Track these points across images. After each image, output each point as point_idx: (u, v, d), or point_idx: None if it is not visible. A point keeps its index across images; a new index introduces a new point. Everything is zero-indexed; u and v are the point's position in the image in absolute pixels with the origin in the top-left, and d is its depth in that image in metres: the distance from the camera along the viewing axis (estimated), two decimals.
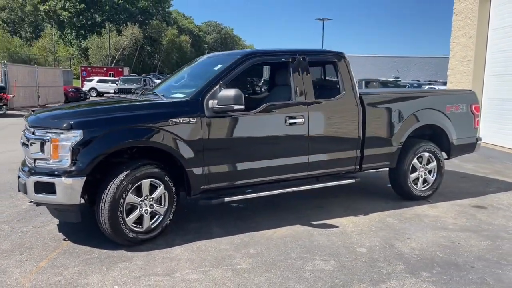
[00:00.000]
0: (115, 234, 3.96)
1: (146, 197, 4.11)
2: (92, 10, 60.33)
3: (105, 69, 44.66)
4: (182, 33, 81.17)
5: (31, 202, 4.10)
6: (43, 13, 62.60)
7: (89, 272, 3.54)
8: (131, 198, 4.01)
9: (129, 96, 6.17)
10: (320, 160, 4.97)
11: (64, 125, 3.84)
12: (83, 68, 44.99)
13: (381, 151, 5.39)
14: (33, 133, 4.01)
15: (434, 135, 6.02)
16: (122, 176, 3.92)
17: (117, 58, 56.30)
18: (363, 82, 16.22)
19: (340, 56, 5.25)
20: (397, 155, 5.50)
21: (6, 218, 4.88)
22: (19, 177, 4.21)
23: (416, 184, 5.71)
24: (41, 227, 4.59)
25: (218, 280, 3.42)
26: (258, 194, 4.73)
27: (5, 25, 63.57)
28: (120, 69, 45.37)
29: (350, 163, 5.21)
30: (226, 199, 4.49)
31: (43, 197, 3.90)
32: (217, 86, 4.36)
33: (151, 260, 3.79)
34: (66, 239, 4.28)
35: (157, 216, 4.25)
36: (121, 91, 26.63)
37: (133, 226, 4.07)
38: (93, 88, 36.34)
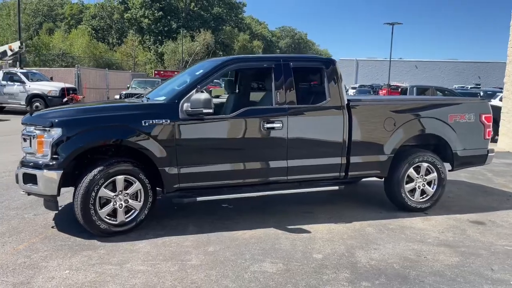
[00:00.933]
0: (88, 225, 4.33)
1: (120, 192, 4.44)
2: (169, 17, 63.66)
3: (176, 72, 46.84)
4: (255, 38, 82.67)
5: (23, 191, 4.60)
6: (126, 21, 67.08)
7: (53, 257, 3.92)
8: (104, 192, 4.35)
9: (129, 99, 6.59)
10: (300, 166, 5.00)
11: (47, 123, 4.29)
12: (156, 72, 47.57)
13: (370, 159, 5.28)
14: (25, 130, 4.52)
15: (439, 146, 5.76)
16: (95, 171, 4.28)
17: (190, 63, 58.85)
18: (415, 88, 15.48)
19: (328, 63, 5.24)
20: (388, 164, 5.35)
21: (16, 205, 5.48)
22: None
23: (412, 195, 5.51)
24: (41, 215, 5.10)
25: (160, 273, 3.63)
26: (233, 195, 4.89)
27: (93, 31, 69.01)
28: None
29: (333, 170, 5.17)
30: (198, 199, 4.70)
31: (29, 187, 4.38)
32: (194, 90, 4.59)
33: (114, 250, 4.10)
34: (54, 227, 4.73)
35: (133, 211, 4.56)
36: (127, 96, 18.34)
37: (106, 218, 4.41)
38: None
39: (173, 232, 4.63)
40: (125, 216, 4.51)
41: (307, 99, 5.27)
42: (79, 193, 4.26)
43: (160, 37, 63.15)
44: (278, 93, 4.92)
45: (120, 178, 4.41)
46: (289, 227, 4.85)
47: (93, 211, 4.29)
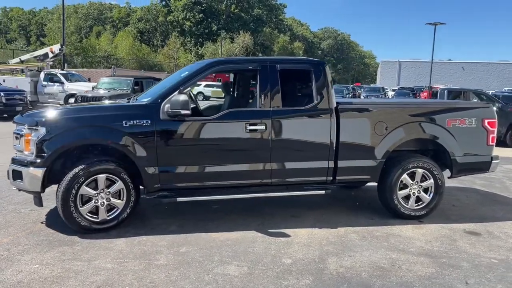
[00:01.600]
0: (68, 221, 4.48)
1: (102, 191, 4.56)
2: (209, 19, 64.74)
3: (214, 74, 47.45)
4: (296, 39, 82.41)
5: (14, 187, 4.82)
6: (169, 23, 68.81)
7: (30, 251, 4.09)
8: (85, 190, 4.49)
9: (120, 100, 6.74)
10: (284, 169, 4.94)
11: (32, 122, 4.48)
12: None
13: (359, 163, 5.14)
14: (16, 128, 4.74)
15: (438, 151, 5.53)
16: (76, 170, 4.43)
17: None
18: (446, 91, 14.77)
19: (317, 65, 5.15)
20: (379, 169, 5.19)
21: (18, 200, 5.75)
22: None
23: (406, 202, 5.31)
24: (36, 210, 5.32)
25: (123, 271, 3.70)
26: (215, 197, 4.90)
27: (139, 34, 71.25)
28: (227, 75, 47.81)
29: (320, 174, 5.07)
30: (178, 199, 4.75)
31: (17, 183, 4.59)
32: (176, 92, 4.65)
33: (89, 247, 4.22)
34: (43, 222, 4.93)
35: (115, 209, 4.67)
36: (83, 100, 15.49)
37: (88, 215, 4.54)
38: (200, 92, 38.90)
39: (153, 232, 4.70)
40: (107, 214, 4.63)
41: (294, 101, 5.21)
42: (60, 190, 4.41)
43: (200, 39, 64.32)
44: (263, 95, 4.89)
45: (101, 177, 4.53)
46: (271, 230, 4.81)
47: (73, 208, 4.43)
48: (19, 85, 20.81)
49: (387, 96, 39.22)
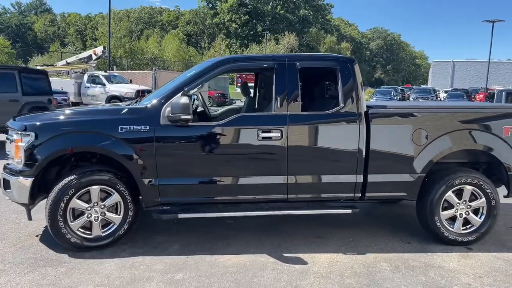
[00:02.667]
0: (57, 237, 4.02)
1: (96, 204, 4.07)
2: (254, 21, 64.49)
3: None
4: (343, 40, 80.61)
5: (7, 197, 4.44)
6: (215, 25, 69.33)
7: (10, 272, 3.66)
8: (76, 203, 4.01)
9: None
10: (303, 183, 4.26)
11: (21, 127, 4.06)
12: (238, 74, 48.25)
13: (393, 178, 4.36)
14: (8, 133, 4.36)
15: (492, 165, 4.64)
16: (65, 181, 3.96)
17: None
18: (504, 93, 13.38)
19: (344, 62, 4.42)
20: (418, 184, 4.38)
21: (22, 209, 5.39)
22: None
23: (451, 224, 4.46)
24: (36, 221, 4.92)
25: None
26: (222, 214, 4.29)
27: (187, 37, 72.35)
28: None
29: (346, 190, 4.34)
30: (180, 216, 4.17)
31: (7, 193, 4.20)
32: (180, 94, 4.10)
33: (74, 269, 3.73)
34: (38, 236, 4.52)
35: (111, 224, 4.18)
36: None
37: (80, 231, 4.07)
38: None
39: (153, 251, 4.16)
40: (102, 230, 4.14)
41: (316, 105, 4.53)
42: (48, 203, 3.97)
43: (246, 41, 64.24)
44: (279, 98, 4.23)
45: (95, 189, 4.05)
46: (286, 254, 4.14)
47: (61, 223, 3.96)
48: (64, 86, 21.24)
49: (438, 98, 37.15)
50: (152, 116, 4.08)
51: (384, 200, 4.95)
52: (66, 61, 24.44)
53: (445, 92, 39.79)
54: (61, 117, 4.17)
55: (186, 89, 4.13)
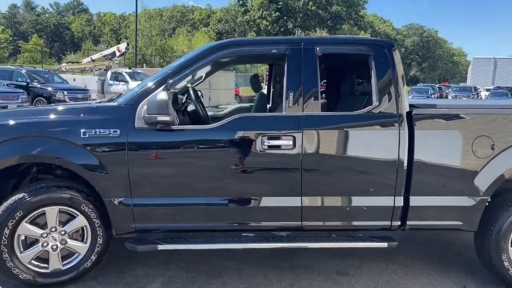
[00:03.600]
0: (4, 274, 3.13)
1: (54, 229, 3.17)
2: (285, 17, 63.20)
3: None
4: (377, 37, 78.17)
5: None
6: (245, 23, 68.52)
7: None
8: (25, 229, 3.12)
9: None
10: (322, 207, 3.21)
11: None
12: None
13: (445, 201, 3.25)
14: None
15: None
16: (10, 200, 3.07)
17: None
18: None
19: (379, 47, 3.33)
20: (479, 210, 3.26)
21: None
22: None
23: None
24: None
25: None
26: (213, 245, 3.29)
27: (215, 35, 71.91)
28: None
29: (380, 216, 3.27)
30: (160, 247, 3.21)
31: None
32: (161, 88, 3.14)
33: None
34: None
35: (75, 255, 3.26)
36: None
37: (33, 264, 3.17)
38: None
39: None
40: (63, 263, 3.23)
41: (342, 103, 3.47)
42: None
43: None
44: (291, 93, 3.19)
45: (52, 210, 3.14)
46: None
47: (6, 255, 3.07)
48: (88, 84, 20.87)
49: (479, 97, 34.90)
50: (124, 117, 3.13)
51: (432, 230, 3.82)
52: (91, 58, 24.11)
53: (487, 90, 37.39)
54: (8, 118, 3.26)
55: (170, 81, 3.17)
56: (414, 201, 3.23)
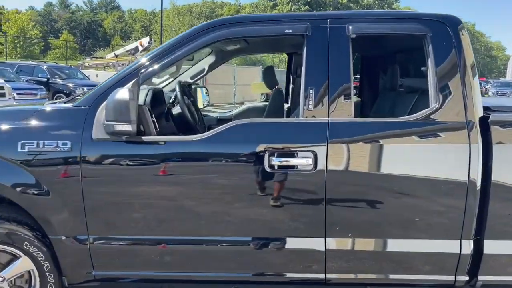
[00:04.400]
0: None
1: None
2: (314, 11, 61.76)
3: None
4: None
5: None
6: None
7: None
8: None
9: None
10: (355, 251, 2.25)
11: None
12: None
13: None
14: None
15: None
16: None
17: None
18: None
19: (439, 25, 2.32)
20: None
21: None
22: None
23: None
24: None
25: None
26: None
27: None
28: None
29: (440, 268, 2.28)
30: None
31: None
32: (131, 83, 2.25)
33: None
34: None
35: None
36: None
37: None
38: None
39: None
40: None
41: (384, 105, 2.47)
42: None
43: None
44: (312, 91, 2.24)
45: None
46: None
47: None
48: None
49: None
50: (78, 125, 2.26)
51: None
52: (114, 53, 23.69)
53: None
54: None
55: (142, 74, 2.28)
56: (490, 246, 2.23)
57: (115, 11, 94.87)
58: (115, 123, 2.05)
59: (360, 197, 2.22)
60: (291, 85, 3.79)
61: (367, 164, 2.19)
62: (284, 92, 3.94)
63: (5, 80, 13.15)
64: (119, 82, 2.29)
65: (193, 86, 4.14)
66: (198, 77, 3.81)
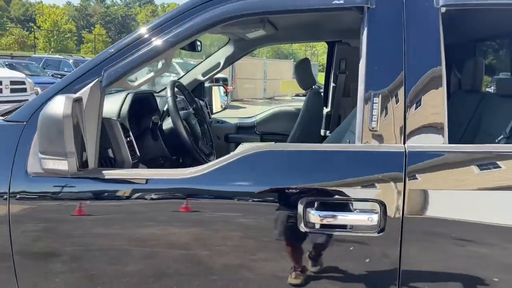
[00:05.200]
0: None
1: None
2: None
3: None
4: None
5: None
6: None
7: None
8: None
9: None
10: None
11: None
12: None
13: None
14: None
15: None
16: None
17: None
18: None
19: None
20: None
21: None
22: None
23: None
24: None
25: None
26: None
27: None
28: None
29: None
30: None
31: None
32: (90, 85, 1.42)
33: None
34: None
35: None
36: None
37: None
38: None
39: None
40: None
41: (459, 114, 1.54)
42: None
43: None
44: (377, 98, 1.34)
45: None
46: None
47: None
48: (138, 75, 19.98)
49: None
50: (6, 150, 1.45)
51: None
52: None
53: None
54: None
55: (106, 72, 1.45)
56: None
57: (148, 5, 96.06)
58: (45, 156, 1.24)
59: (456, 268, 1.33)
60: (332, 84, 2.88)
61: (469, 217, 1.28)
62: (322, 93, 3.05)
63: (30, 75, 12.81)
64: (71, 85, 1.47)
65: (207, 85, 3.32)
66: (212, 73, 2.99)
